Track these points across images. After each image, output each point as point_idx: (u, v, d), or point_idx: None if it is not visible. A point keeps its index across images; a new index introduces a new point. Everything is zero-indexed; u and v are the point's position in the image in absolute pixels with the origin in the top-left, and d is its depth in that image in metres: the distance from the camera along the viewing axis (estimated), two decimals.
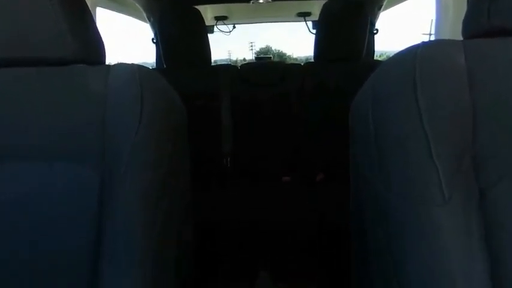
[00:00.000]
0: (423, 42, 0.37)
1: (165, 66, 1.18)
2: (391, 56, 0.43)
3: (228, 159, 1.20)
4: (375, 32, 1.44)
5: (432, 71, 0.34)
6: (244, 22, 1.97)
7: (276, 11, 1.73)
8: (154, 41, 1.45)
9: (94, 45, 0.45)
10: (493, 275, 0.32)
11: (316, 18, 1.23)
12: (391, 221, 0.36)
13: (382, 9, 1.39)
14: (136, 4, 1.32)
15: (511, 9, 0.34)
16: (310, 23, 1.72)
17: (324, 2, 1.16)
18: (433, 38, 1.24)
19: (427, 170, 0.32)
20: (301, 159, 1.22)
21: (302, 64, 1.31)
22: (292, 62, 1.72)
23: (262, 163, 1.24)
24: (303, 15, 1.74)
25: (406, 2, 1.34)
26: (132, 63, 0.42)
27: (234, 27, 1.88)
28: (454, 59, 0.34)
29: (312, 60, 1.25)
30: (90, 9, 0.47)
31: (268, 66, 1.39)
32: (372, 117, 0.39)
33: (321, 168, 1.19)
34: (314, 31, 1.30)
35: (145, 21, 1.45)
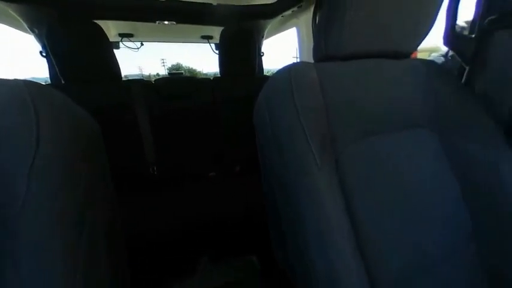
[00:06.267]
0: (294, 63, 0.44)
1: (63, 82, 1.08)
2: (274, 72, 0.50)
3: (154, 167, 1.21)
4: (262, 54, 1.74)
5: (301, 83, 0.41)
6: (152, 40, 1.93)
7: (182, 32, 1.78)
8: (44, 54, 1.27)
9: None
10: (351, 221, 0.39)
11: (217, 41, 1.39)
12: (289, 191, 0.41)
13: (264, 37, 1.68)
14: (13, 13, 1.09)
15: (336, 44, 0.45)
16: (213, 45, 1.87)
17: (221, 28, 1.35)
18: (298, 60, 1.60)
19: (306, 149, 0.39)
20: (221, 157, 1.35)
21: (211, 78, 1.39)
22: (203, 76, 1.78)
23: (188, 166, 1.29)
24: (207, 38, 1.89)
25: (280, 34, 1.70)
26: (15, 79, 0.34)
27: (142, 44, 1.86)
28: (311, 75, 0.42)
29: (219, 76, 1.41)
30: None
31: (182, 80, 1.38)
32: (268, 117, 0.44)
33: (237, 162, 1.38)
34: (217, 51, 1.41)
35: (26, 32, 1.23)
